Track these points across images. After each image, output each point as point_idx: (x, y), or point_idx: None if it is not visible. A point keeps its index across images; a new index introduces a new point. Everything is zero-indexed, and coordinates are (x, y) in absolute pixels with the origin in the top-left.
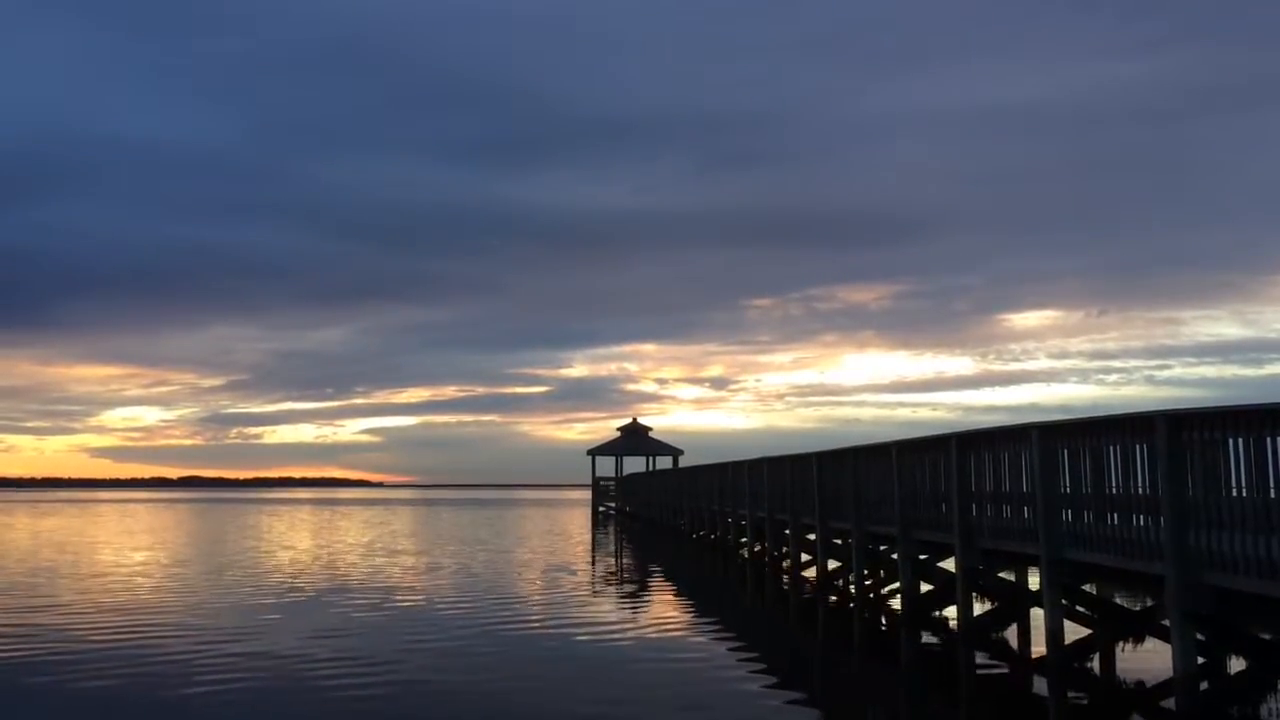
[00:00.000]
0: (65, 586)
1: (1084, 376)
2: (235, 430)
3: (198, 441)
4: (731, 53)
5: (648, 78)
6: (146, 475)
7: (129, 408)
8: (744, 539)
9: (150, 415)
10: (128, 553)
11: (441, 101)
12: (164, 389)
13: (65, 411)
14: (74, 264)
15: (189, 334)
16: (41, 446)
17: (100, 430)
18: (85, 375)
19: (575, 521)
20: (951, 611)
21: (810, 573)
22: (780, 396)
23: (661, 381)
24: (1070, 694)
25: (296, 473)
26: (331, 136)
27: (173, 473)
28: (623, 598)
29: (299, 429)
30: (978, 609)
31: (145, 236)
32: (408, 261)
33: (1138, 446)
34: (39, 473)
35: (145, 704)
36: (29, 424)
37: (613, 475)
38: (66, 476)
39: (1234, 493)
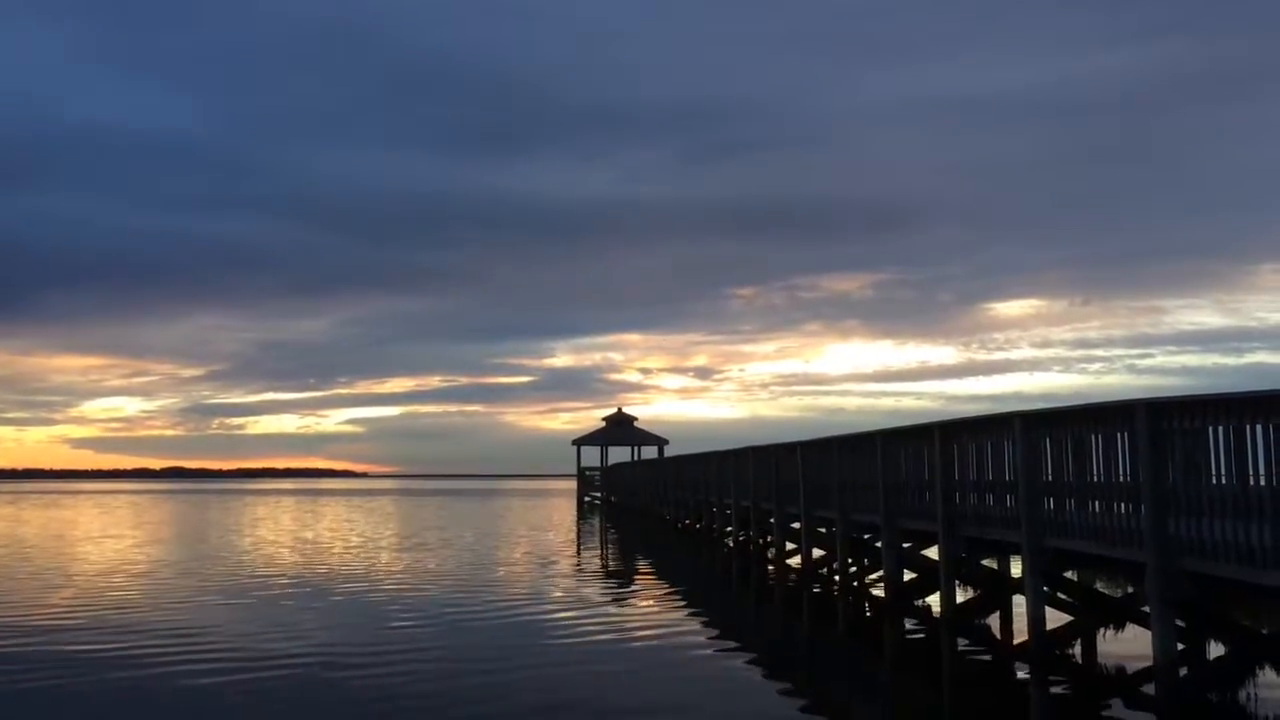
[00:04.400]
0: (72, 586)
1: (1067, 365)
2: (217, 421)
3: (179, 432)
4: (717, 42)
5: (633, 67)
6: (128, 466)
7: (110, 398)
8: (729, 528)
9: (131, 406)
10: (147, 549)
11: (424, 90)
12: (144, 379)
13: (45, 402)
14: (53, 253)
15: (169, 324)
16: (21, 437)
17: (81, 421)
18: (65, 365)
19: (561, 511)
20: (935, 599)
21: (795, 561)
22: (764, 386)
23: (646, 371)
24: (1052, 680)
25: (280, 463)
26: (314, 125)
27: (154, 463)
28: (608, 587)
29: (281, 419)
30: (961, 596)
31: (125, 225)
32: (390, 251)
33: (1119, 435)
34: (19, 464)
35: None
36: (8, 414)
37: (598, 465)
38: (47, 467)
39: (1214, 480)
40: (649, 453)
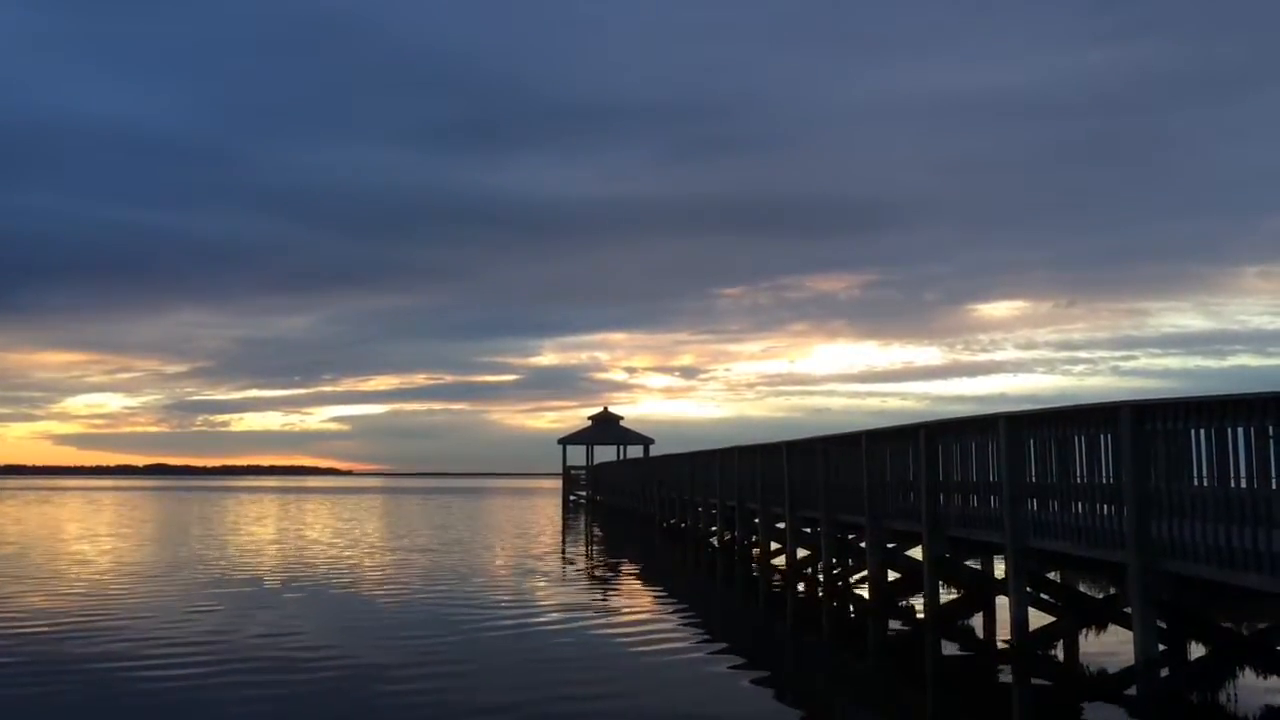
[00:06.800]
0: (71, 587)
1: (1051, 367)
2: (201, 418)
3: (163, 429)
4: (704, 38)
5: (620, 63)
6: (112, 463)
7: (92, 394)
8: (714, 528)
9: (114, 402)
10: (139, 549)
11: (410, 85)
12: (127, 375)
13: (27, 398)
14: (34, 248)
15: (152, 320)
16: (3, 433)
17: (63, 417)
18: (47, 361)
19: (547, 511)
20: (919, 599)
21: (780, 561)
22: (750, 386)
23: (631, 370)
24: (1034, 680)
25: (264, 461)
26: (298, 120)
27: (138, 460)
28: (593, 588)
29: (266, 417)
30: (944, 597)
31: (107, 220)
32: (375, 248)
33: (1103, 436)
34: (0, 460)
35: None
36: None
37: (584, 464)
38: (30, 464)
39: (1196, 482)
40: (634, 452)
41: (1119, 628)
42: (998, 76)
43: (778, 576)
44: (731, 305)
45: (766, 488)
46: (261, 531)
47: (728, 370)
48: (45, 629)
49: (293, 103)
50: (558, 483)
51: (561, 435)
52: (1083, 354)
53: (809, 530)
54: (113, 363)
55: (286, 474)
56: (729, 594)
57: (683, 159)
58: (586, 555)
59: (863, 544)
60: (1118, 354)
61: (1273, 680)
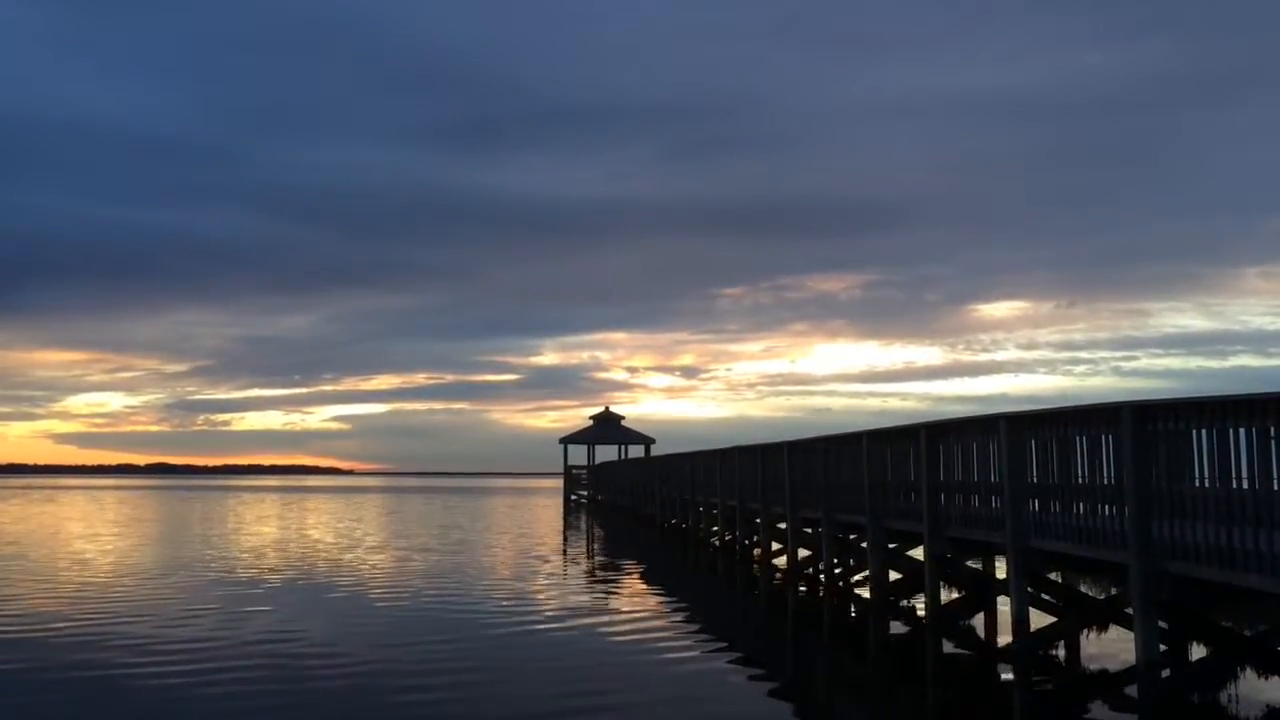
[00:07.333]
0: (79, 590)
1: (1052, 367)
2: (202, 417)
3: (164, 428)
4: (704, 37)
5: (621, 63)
6: (113, 462)
7: (93, 393)
8: (715, 528)
9: (115, 401)
10: (144, 550)
11: (410, 84)
12: (128, 375)
13: (28, 397)
14: (34, 247)
15: (152, 319)
16: (4, 432)
17: (64, 416)
18: (48, 360)
19: (548, 510)
20: (920, 600)
21: (781, 561)
22: (751, 385)
23: (632, 370)
24: (1035, 681)
25: (265, 460)
26: (298, 119)
27: (139, 459)
28: (594, 588)
29: (266, 416)
30: (945, 597)
31: (107, 219)
32: (376, 247)
33: (1104, 437)
34: (1, 459)
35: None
36: None
37: (585, 464)
38: (31, 463)
39: (1197, 483)
40: (636, 452)
41: (1120, 628)
42: (998, 76)
43: (779, 576)
44: (732, 305)
45: (767, 488)
46: (263, 531)
47: (728, 370)
48: (46, 630)
49: (293, 103)
50: (559, 482)
51: (563, 435)
52: (1084, 354)
53: (810, 530)
54: (114, 362)
55: (287, 473)
56: (730, 594)
57: (683, 159)
58: (588, 555)
59: (864, 544)
60: (1119, 354)
61: (1274, 681)
